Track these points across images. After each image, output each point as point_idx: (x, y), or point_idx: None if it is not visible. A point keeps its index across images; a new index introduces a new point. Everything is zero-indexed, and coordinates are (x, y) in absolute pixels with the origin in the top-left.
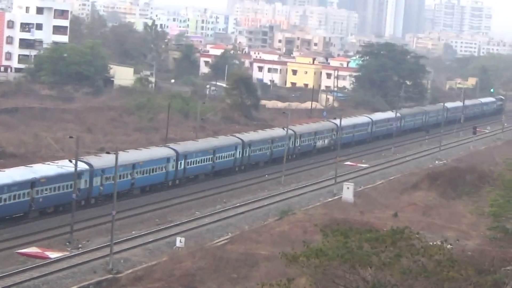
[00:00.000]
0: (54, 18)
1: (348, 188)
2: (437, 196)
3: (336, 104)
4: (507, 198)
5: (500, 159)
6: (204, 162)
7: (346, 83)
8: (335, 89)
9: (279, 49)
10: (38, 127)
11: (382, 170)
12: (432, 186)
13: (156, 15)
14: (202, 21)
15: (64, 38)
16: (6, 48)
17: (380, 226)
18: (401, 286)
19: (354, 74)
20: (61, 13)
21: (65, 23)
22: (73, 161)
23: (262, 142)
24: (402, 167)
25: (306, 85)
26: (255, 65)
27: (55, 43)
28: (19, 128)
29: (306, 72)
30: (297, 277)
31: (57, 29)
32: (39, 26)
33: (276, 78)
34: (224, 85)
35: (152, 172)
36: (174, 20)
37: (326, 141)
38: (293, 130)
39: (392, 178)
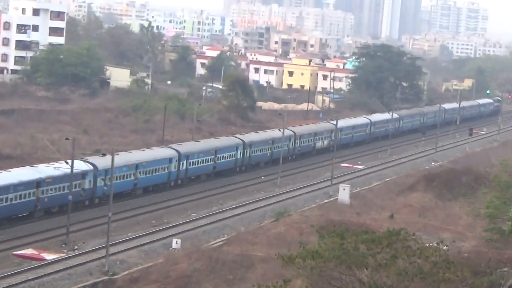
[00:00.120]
0: (50, 19)
1: (344, 189)
2: (433, 197)
3: (332, 106)
4: (503, 199)
5: (496, 161)
6: (205, 163)
7: (343, 85)
8: (332, 90)
9: (276, 50)
10: (34, 128)
11: (378, 171)
12: (428, 187)
13: (153, 17)
14: (199, 23)
15: (60, 40)
16: (2, 49)
17: (376, 228)
18: (397, 287)
19: (350, 75)
20: (57, 15)
21: (61, 24)
22: (78, 161)
23: (263, 143)
24: (398, 169)
25: (302, 86)
26: (252, 66)
27: (51, 44)
28: (15, 129)
29: (302, 74)
30: (293, 278)
31: (54, 31)
32: (35, 28)
33: (272, 79)
34: (221, 86)
35: (155, 172)
36: (170, 21)
37: (326, 142)
38: (292, 131)
39: (388, 179)
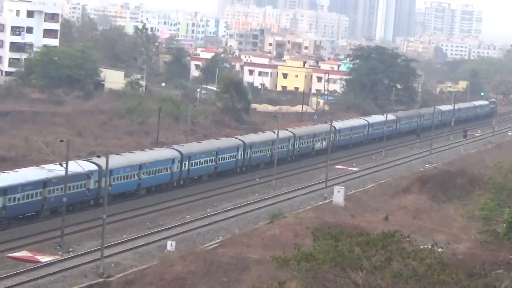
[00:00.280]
0: (44, 21)
1: (339, 191)
2: (427, 199)
3: (326, 108)
4: (498, 201)
5: (491, 163)
6: (207, 163)
7: (337, 87)
8: (326, 92)
9: (270, 52)
10: (29, 130)
11: (373, 173)
12: (422, 189)
13: (147, 19)
14: (193, 25)
15: (54, 42)
16: None
17: (371, 230)
18: None
19: (345, 77)
20: (52, 17)
21: (55, 26)
22: (83, 162)
23: (263, 144)
24: (393, 171)
25: (296, 88)
26: (246, 68)
27: (45, 46)
28: (9, 131)
29: (296, 76)
30: (288, 280)
31: (48, 33)
32: (29, 30)
33: (267, 81)
34: (215, 88)
35: (158, 172)
36: (164, 23)
37: (324, 143)
38: (292, 132)
39: (383, 181)
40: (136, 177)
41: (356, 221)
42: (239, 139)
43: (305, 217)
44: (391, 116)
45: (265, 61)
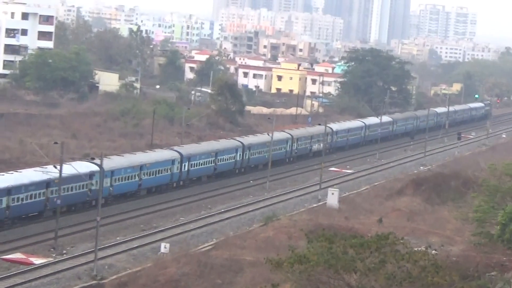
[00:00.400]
0: (39, 23)
1: (333, 193)
2: (421, 201)
3: (321, 110)
4: (491, 203)
5: (485, 165)
6: (206, 164)
7: (331, 89)
8: (320, 94)
9: (264, 54)
10: (23, 132)
11: (367, 176)
12: (416, 191)
13: (142, 21)
14: (187, 27)
15: (49, 44)
16: None
17: (365, 232)
18: None
19: (339, 79)
20: (46, 19)
21: (50, 28)
22: (85, 163)
23: (261, 145)
24: (387, 173)
25: (291, 90)
26: (240, 70)
27: (40, 48)
28: (4, 133)
29: (291, 78)
30: (281, 282)
31: (42, 35)
32: (24, 32)
33: (261, 84)
34: (209, 91)
35: (158, 173)
36: (159, 26)
37: (322, 145)
38: (290, 134)
39: (376, 184)
40: (137, 177)
41: (350, 223)
42: (238, 141)
43: (299, 219)
44: (387, 118)
45: (260, 63)
